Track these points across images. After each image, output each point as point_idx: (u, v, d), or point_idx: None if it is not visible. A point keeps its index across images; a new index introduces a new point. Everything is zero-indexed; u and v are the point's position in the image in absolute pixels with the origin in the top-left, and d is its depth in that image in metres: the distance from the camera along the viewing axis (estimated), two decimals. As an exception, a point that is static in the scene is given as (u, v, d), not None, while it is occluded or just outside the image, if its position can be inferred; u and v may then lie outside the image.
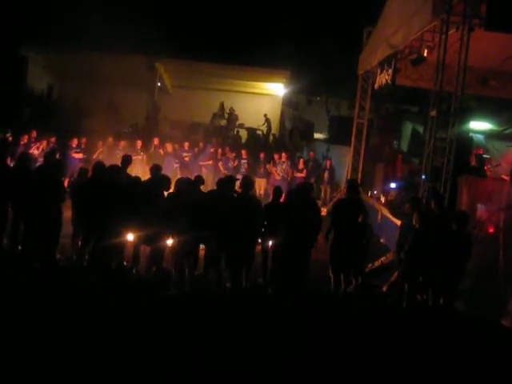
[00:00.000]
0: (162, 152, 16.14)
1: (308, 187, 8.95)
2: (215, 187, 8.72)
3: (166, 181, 8.46)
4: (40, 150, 14.71)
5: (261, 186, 16.11)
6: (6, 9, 18.93)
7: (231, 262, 8.25)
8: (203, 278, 8.37)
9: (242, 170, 16.09)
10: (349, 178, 15.71)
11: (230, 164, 16.36)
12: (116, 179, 8.29)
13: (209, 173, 15.68)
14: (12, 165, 9.30)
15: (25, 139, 14.97)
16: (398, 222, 9.55)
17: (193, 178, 8.84)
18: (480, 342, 7.18)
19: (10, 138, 14.10)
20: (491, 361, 6.61)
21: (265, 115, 24.09)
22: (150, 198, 8.12)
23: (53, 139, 15.46)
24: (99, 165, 8.77)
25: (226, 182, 8.59)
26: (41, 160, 11.57)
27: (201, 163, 16.51)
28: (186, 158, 16.48)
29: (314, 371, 5.95)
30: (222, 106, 24.30)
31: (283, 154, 16.62)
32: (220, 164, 16.44)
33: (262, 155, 16.91)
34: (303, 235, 8.14)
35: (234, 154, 16.78)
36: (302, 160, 16.87)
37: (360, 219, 8.69)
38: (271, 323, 7.08)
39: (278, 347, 6.38)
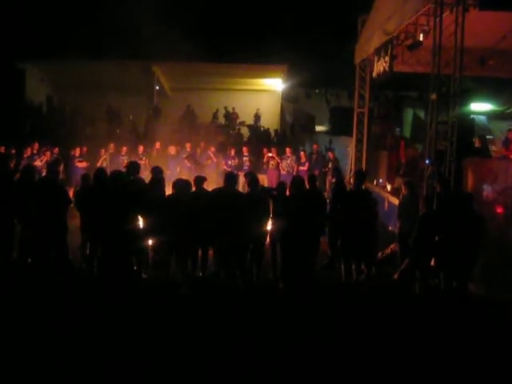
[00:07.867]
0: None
1: (298, 180, 8.79)
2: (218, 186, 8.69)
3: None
4: (43, 161, 14.76)
5: (264, 182, 16.05)
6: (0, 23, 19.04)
7: (241, 259, 8.28)
8: (214, 277, 8.41)
9: (245, 167, 16.17)
10: (353, 168, 15.66)
11: (231, 162, 16.41)
12: (119, 184, 8.27)
13: (211, 172, 15.64)
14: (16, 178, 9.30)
15: (28, 152, 15.06)
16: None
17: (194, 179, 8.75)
18: (497, 323, 7.16)
19: (13, 152, 14.13)
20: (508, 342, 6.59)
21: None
22: (151, 201, 8.11)
23: (55, 150, 15.53)
24: (100, 171, 8.79)
25: (228, 179, 8.55)
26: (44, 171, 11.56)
27: (203, 163, 16.49)
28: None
29: (334, 361, 5.95)
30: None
31: (287, 149, 16.65)
32: (223, 163, 16.46)
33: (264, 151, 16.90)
34: (304, 227, 8.09)
35: (233, 152, 16.81)
36: (303, 153, 16.83)
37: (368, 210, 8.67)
38: (285, 317, 7.09)
39: (296, 339, 6.39)
